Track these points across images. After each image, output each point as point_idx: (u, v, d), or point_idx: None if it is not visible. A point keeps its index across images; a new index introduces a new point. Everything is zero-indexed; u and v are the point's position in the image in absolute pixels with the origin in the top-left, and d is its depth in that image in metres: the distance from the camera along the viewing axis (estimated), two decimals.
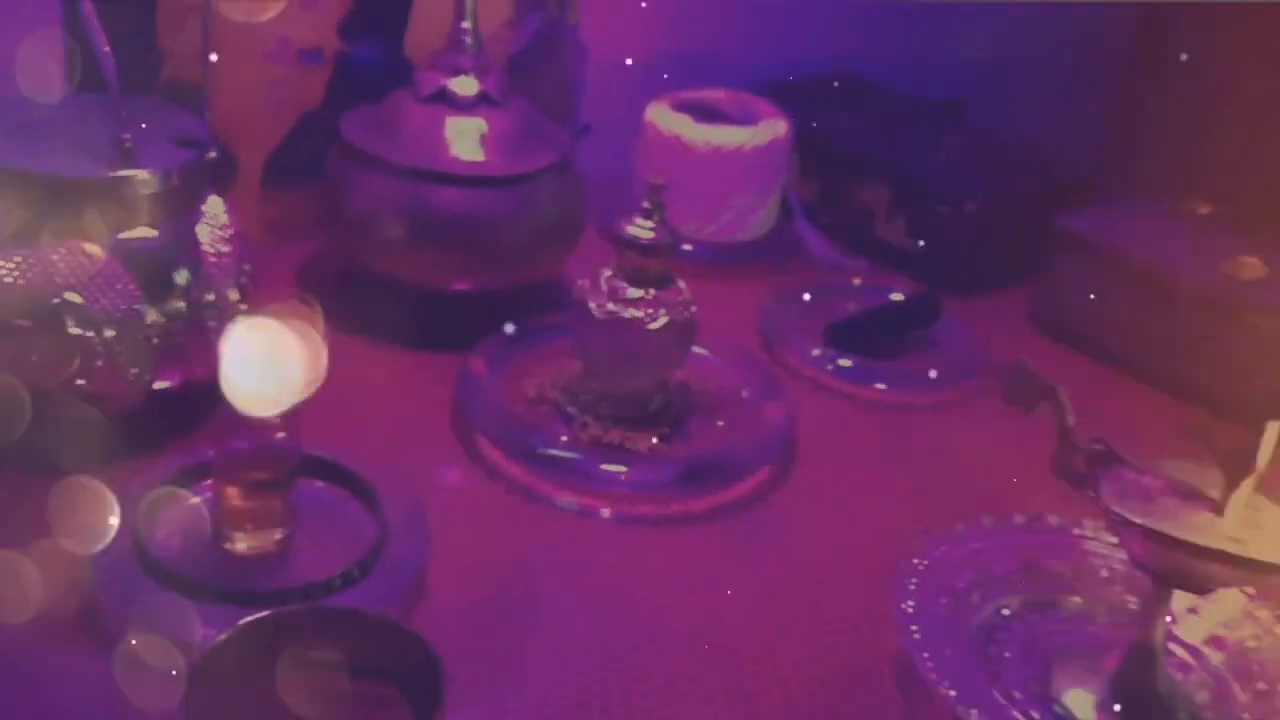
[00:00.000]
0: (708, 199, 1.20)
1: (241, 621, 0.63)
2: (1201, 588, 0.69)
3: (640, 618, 0.79)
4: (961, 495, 0.93)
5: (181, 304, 0.84)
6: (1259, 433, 0.66)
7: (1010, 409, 0.75)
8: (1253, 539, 0.66)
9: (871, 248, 1.26)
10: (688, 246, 1.18)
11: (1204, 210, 1.18)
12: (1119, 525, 0.68)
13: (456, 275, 1.01)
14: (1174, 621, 0.77)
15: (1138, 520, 0.67)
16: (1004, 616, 0.79)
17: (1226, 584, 0.69)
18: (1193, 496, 0.68)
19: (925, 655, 0.72)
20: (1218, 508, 0.67)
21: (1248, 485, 0.67)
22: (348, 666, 0.63)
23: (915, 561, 0.79)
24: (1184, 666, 0.77)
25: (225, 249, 0.88)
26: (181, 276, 0.84)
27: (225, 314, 0.87)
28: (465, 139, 1.00)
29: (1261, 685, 0.75)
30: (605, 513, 0.88)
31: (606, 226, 0.93)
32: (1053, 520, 0.84)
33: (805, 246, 1.26)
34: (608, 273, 0.92)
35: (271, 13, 1.04)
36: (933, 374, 1.06)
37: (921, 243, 1.22)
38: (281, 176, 1.11)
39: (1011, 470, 0.94)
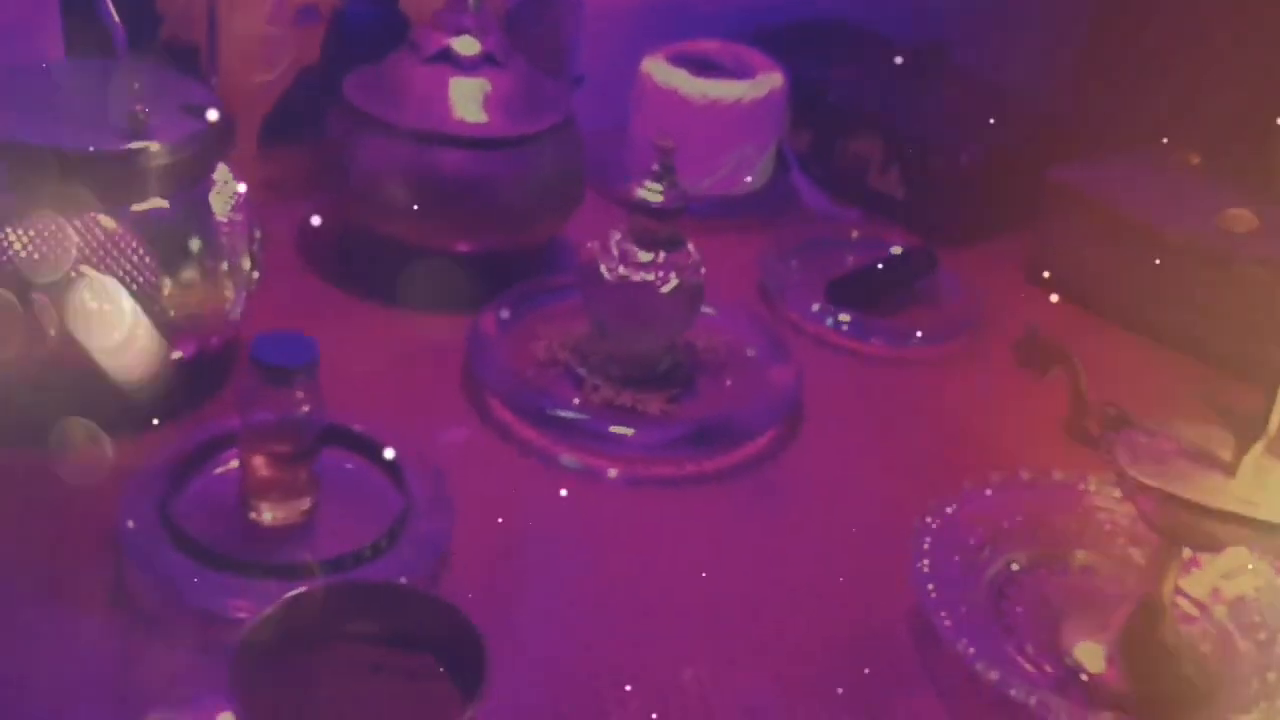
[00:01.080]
0: (705, 152, 1.21)
1: (284, 597, 0.64)
2: (1213, 547, 0.72)
3: (658, 583, 0.81)
4: (966, 450, 0.95)
5: (196, 274, 0.84)
6: (1272, 398, 0.68)
7: (1023, 370, 0.78)
8: (1263, 500, 0.68)
9: (865, 199, 1.28)
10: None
11: (1195, 160, 1.20)
12: (1133, 488, 0.71)
13: (460, 237, 1.02)
14: (1185, 572, 0.80)
15: (1151, 483, 0.69)
16: (1014, 572, 0.82)
17: (1238, 544, 0.72)
18: (1204, 459, 0.71)
19: (943, 614, 0.74)
20: (1229, 470, 0.70)
21: (1259, 448, 0.69)
22: (388, 639, 0.65)
23: (928, 520, 0.81)
24: (1188, 619, 0.80)
25: (238, 216, 0.88)
26: (195, 245, 0.84)
27: (239, 283, 0.88)
28: (468, 100, 1.01)
29: (1263, 635, 0.78)
30: (614, 474, 0.90)
31: (616, 188, 0.94)
32: (1058, 476, 0.87)
33: (801, 198, 1.27)
34: (617, 235, 0.93)
35: None
36: (919, 334, 1.07)
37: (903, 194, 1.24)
38: (278, 135, 1.10)
39: (1014, 423, 0.97)
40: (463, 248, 1.03)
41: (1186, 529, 0.70)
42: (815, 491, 0.91)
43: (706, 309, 1.00)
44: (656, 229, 0.92)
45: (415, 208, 0.99)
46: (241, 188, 0.87)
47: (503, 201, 1.01)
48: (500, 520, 0.84)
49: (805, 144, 1.31)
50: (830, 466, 0.93)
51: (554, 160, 1.03)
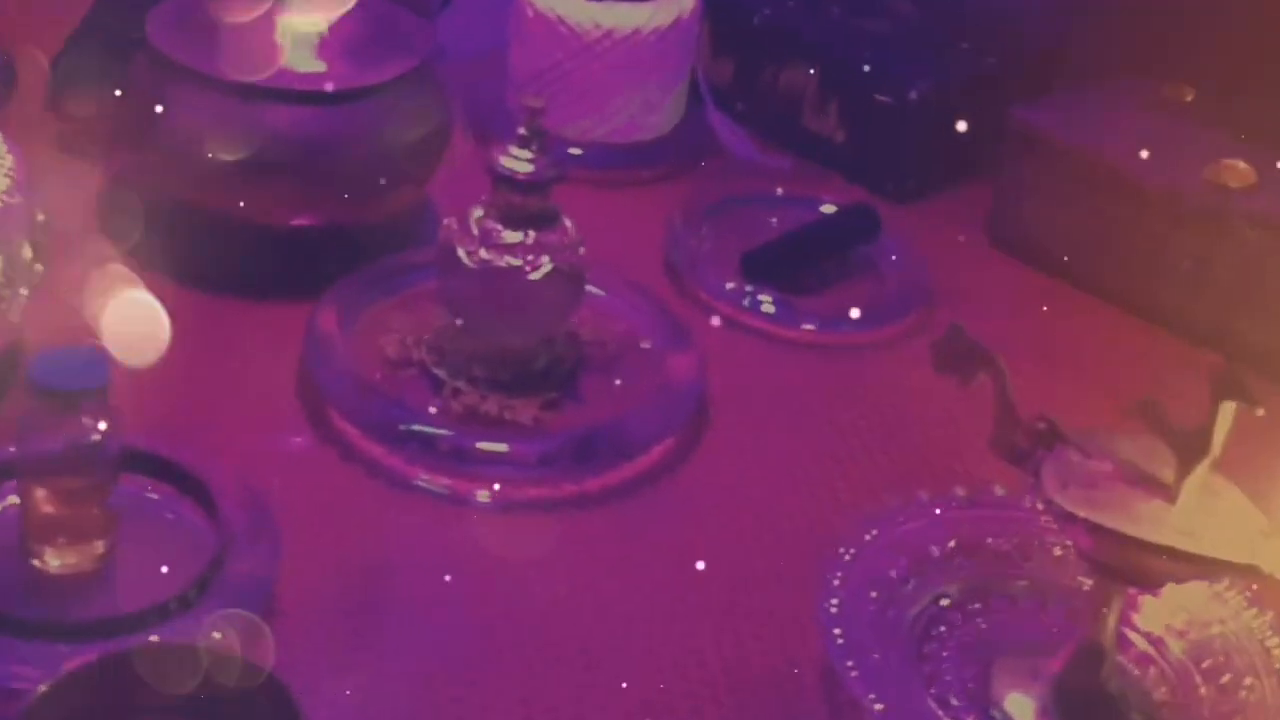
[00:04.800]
0: (599, 93, 1.26)
1: (65, 669, 0.68)
2: (1151, 583, 0.78)
3: (528, 620, 0.86)
4: (899, 459, 1.01)
5: None
6: (1213, 411, 0.74)
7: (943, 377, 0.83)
8: (1207, 530, 0.74)
9: (798, 142, 1.33)
10: (576, 150, 1.25)
11: (1188, 97, 1.25)
12: (1060, 517, 0.77)
13: (296, 209, 1.06)
14: (1133, 608, 0.86)
15: (1080, 512, 0.75)
16: (942, 608, 0.88)
17: (1177, 580, 0.78)
18: (1143, 481, 0.76)
19: (849, 664, 0.80)
20: (1171, 494, 0.76)
21: (1203, 469, 0.75)
22: (191, 710, 0.70)
23: (841, 551, 0.87)
24: (1143, 659, 0.87)
25: (14, 198, 0.91)
26: None
27: (17, 279, 0.91)
28: (301, 43, 1.04)
29: (1226, 678, 0.85)
30: (483, 497, 0.94)
31: (495, 140, 0.97)
32: (1000, 491, 0.93)
33: (720, 143, 1.32)
34: (478, 212, 0.97)
35: None
36: (855, 313, 1.13)
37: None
38: (68, 87, 1.13)
39: (957, 425, 1.03)
40: (299, 221, 1.07)
41: (1120, 563, 0.76)
42: (719, 514, 0.96)
43: (594, 290, 1.05)
44: (524, 203, 0.96)
45: (239, 175, 1.03)
46: (11, 159, 0.90)
47: (346, 166, 1.05)
48: (340, 558, 0.88)
49: (725, 77, 1.36)
50: (738, 483, 0.99)
51: (410, 114, 1.08)
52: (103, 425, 0.81)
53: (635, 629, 0.87)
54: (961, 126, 1.25)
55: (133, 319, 0.91)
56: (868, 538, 0.88)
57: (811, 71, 1.32)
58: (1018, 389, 0.80)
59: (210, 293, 1.05)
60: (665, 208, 1.21)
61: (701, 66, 1.32)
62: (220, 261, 1.05)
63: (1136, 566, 0.76)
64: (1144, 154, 1.18)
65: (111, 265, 0.98)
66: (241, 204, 1.04)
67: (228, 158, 1.03)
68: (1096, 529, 0.75)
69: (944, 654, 0.86)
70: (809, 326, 1.12)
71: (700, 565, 0.91)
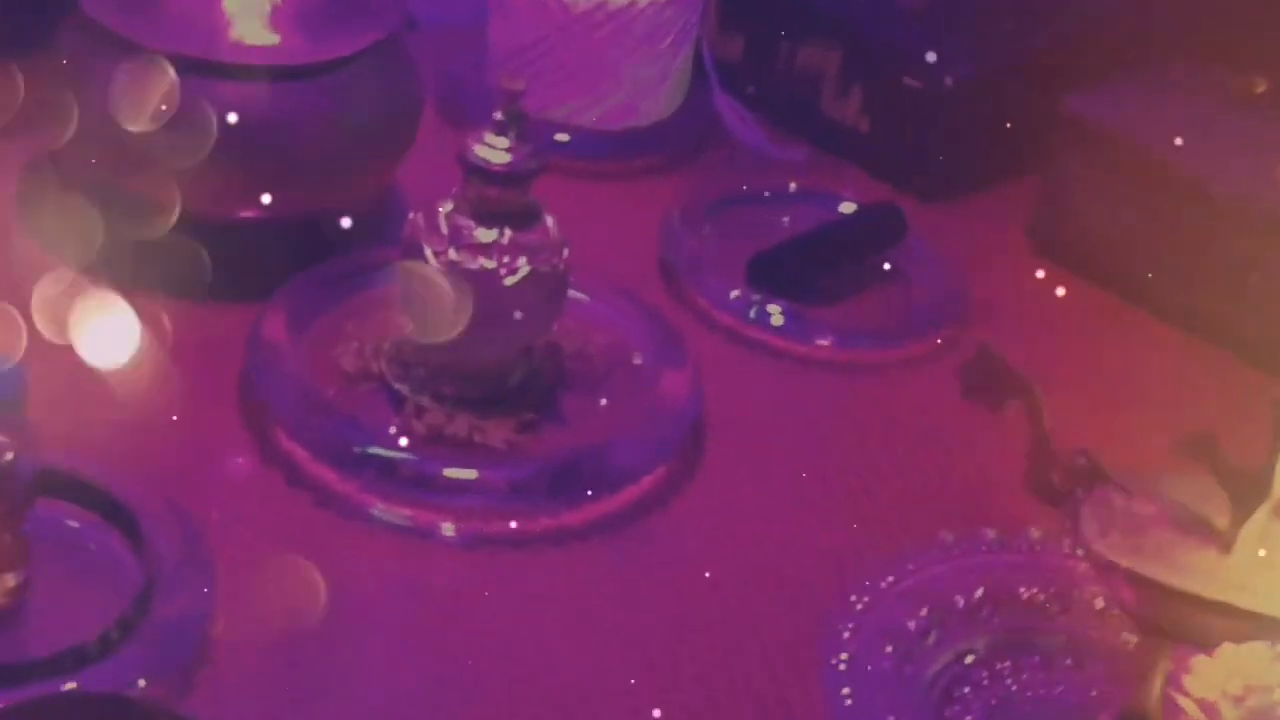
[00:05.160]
0: (590, 73, 1.26)
1: None
2: (1205, 643, 0.79)
3: (498, 671, 0.87)
4: (921, 495, 1.02)
5: None
6: (1276, 450, 0.74)
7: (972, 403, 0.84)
8: (1266, 584, 0.75)
9: (815, 130, 1.34)
10: (562, 137, 1.25)
11: (1260, 89, 1.26)
12: (1100, 566, 0.77)
13: (243, 199, 1.06)
14: (1183, 670, 0.87)
15: (1122, 561, 0.76)
16: (967, 666, 0.89)
17: (1233, 639, 0.79)
18: (1195, 527, 0.77)
19: None
20: (1225, 543, 0.76)
21: (1262, 514, 0.76)
22: None
23: (852, 599, 0.87)
24: None
25: None
26: None
27: None
28: (250, 13, 1.05)
29: None
30: (449, 530, 0.95)
31: (470, 124, 0.98)
32: (1034, 535, 0.93)
33: (726, 130, 1.33)
34: (448, 206, 0.98)
35: None
36: (876, 331, 1.13)
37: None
38: None
39: (987, 458, 1.03)
40: (246, 213, 1.07)
41: (1168, 620, 0.77)
42: (715, 554, 0.96)
43: (578, 296, 1.05)
44: (500, 198, 0.97)
45: (178, 160, 1.03)
46: None
47: (299, 151, 1.06)
48: (284, 597, 0.88)
49: (734, 54, 1.36)
50: (737, 519, 0.99)
51: (374, 94, 1.08)
52: (13, 444, 0.81)
53: (617, 682, 0.87)
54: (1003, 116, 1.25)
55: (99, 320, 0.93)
56: (883, 584, 0.89)
57: (833, 50, 1.32)
58: (1056, 418, 0.81)
59: (143, 293, 1.05)
60: (662, 203, 1.21)
61: (707, 42, 1.33)
62: (155, 258, 1.05)
63: (1187, 623, 0.76)
64: (1211, 151, 1.19)
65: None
66: (180, 193, 1.05)
67: (165, 141, 1.03)
68: (1141, 580, 0.75)
69: (968, 718, 0.86)
70: (823, 342, 1.13)
71: (693, 611, 0.92)
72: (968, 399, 0.83)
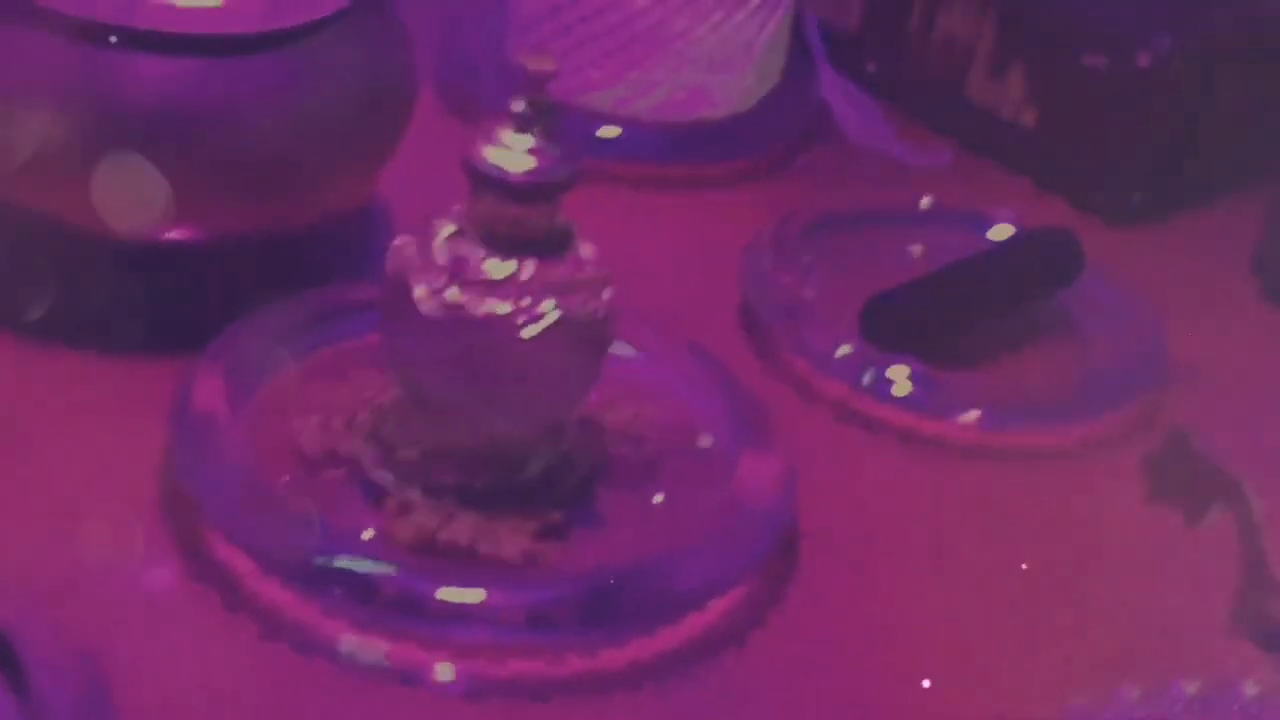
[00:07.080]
0: (646, 45, 1.27)
1: None
2: None
3: None
4: (1094, 631, 1.01)
5: None
6: None
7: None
8: None
9: (960, 124, 1.35)
10: (610, 132, 1.26)
11: None
12: None
13: (173, 215, 1.07)
14: None
15: None
16: None
17: None
18: None
19: None
20: None
21: None
22: None
23: None
24: None
25: None
26: None
27: None
28: None
29: None
30: (445, 674, 0.95)
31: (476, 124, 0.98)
32: (1250, 691, 0.93)
33: (835, 124, 1.33)
34: (449, 228, 0.98)
35: None
36: (1037, 405, 1.13)
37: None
38: None
39: (1181, 583, 1.02)
40: (175, 234, 1.08)
41: None
42: (809, 704, 0.96)
43: (625, 352, 1.05)
44: (520, 217, 0.97)
45: (91, 162, 1.04)
46: None
47: (249, 149, 1.06)
48: None
49: (851, 22, 1.37)
50: (838, 658, 0.99)
51: (348, 73, 1.09)
52: None
53: None
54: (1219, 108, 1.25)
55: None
56: None
57: (986, 17, 1.33)
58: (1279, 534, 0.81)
59: (39, 341, 1.06)
60: (745, 225, 1.22)
61: (808, 9, 1.34)
62: (57, 293, 1.06)
63: None
64: None
65: None
66: (92, 206, 1.05)
67: (74, 135, 1.04)
68: None
69: None
70: (966, 418, 1.13)
71: None
72: (1158, 501, 0.83)
